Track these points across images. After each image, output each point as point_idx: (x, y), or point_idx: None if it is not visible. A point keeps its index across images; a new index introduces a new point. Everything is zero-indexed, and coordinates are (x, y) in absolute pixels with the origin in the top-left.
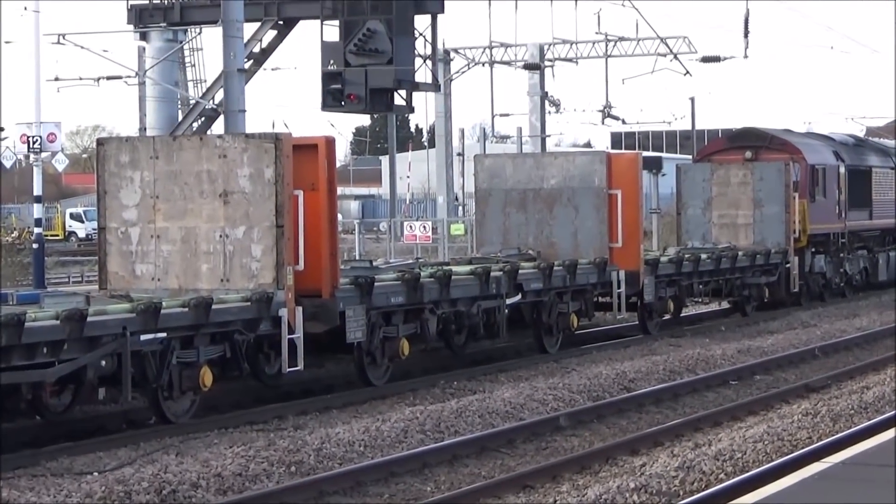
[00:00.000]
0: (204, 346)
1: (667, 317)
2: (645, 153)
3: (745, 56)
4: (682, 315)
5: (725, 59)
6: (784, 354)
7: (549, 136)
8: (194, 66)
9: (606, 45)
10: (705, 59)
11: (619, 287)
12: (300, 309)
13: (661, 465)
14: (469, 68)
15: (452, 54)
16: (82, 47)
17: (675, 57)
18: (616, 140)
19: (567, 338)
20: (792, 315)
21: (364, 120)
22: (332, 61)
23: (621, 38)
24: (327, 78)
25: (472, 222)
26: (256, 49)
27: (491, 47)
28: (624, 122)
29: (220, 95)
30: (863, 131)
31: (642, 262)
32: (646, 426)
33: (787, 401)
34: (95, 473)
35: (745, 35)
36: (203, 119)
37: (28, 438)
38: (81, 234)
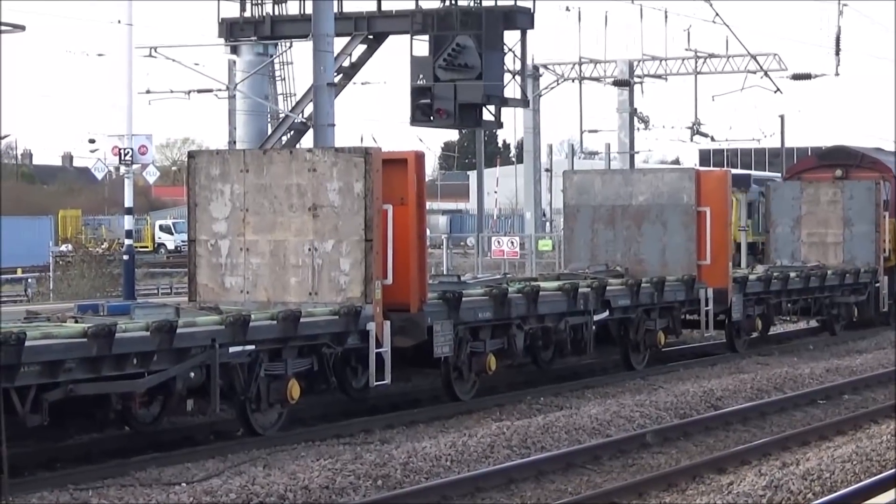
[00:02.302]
0: (292, 359)
1: (755, 335)
2: (734, 171)
3: (837, 74)
4: (770, 333)
5: (816, 76)
6: (873, 374)
7: (637, 152)
8: (284, 79)
9: (696, 62)
10: (796, 77)
11: (706, 305)
12: (388, 323)
13: (749, 483)
14: (558, 84)
15: (542, 70)
16: (174, 60)
17: (766, 74)
18: (704, 157)
19: (654, 355)
20: (881, 335)
21: (452, 135)
22: (421, 76)
23: (711, 55)
24: (416, 93)
25: (560, 238)
26: (346, 63)
27: (580, 63)
28: (713, 139)
29: (309, 109)
30: None
31: (730, 280)
32: (733, 444)
33: (876, 420)
34: (183, 484)
35: (837, 53)
36: (292, 133)
37: (117, 449)
38: (171, 246)
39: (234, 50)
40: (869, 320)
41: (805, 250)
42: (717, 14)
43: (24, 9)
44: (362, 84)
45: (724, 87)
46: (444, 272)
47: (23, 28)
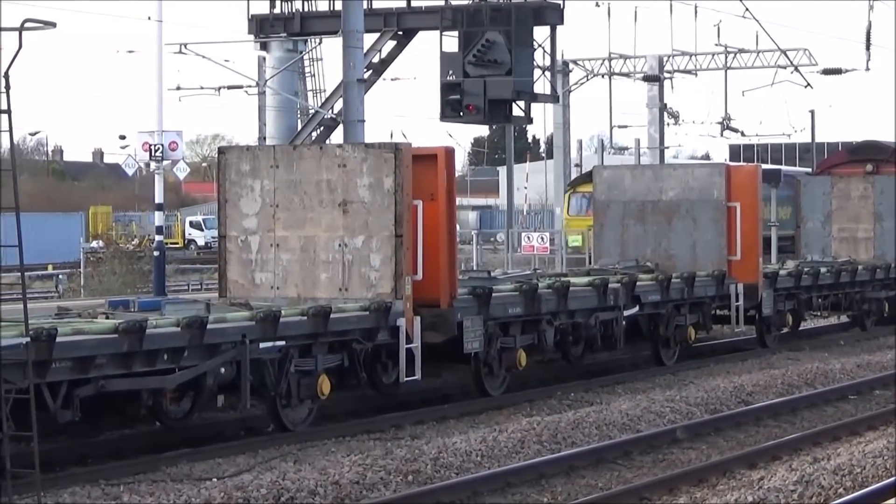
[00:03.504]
0: (322, 355)
1: (785, 330)
2: (764, 166)
3: (867, 68)
4: (800, 329)
5: (847, 71)
6: None
7: (667, 147)
8: (314, 75)
9: (726, 57)
10: (826, 72)
11: (737, 300)
12: (418, 319)
13: (780, 479)
14: (588, 80)
15: (571, 65)
16: (204, 57)
17: (796, 69)
18: (734, 152)
19: (684, 350)
20: None
21: (482, 130)
22: (451, 72)
23: (741, 50)
24: (446, 88)
25: (590, 234)
26: (376, 59)
27: (610, 59)
28: (743, 134)
29: (339, 105)
30: None
31: (761, 275)
32: (764, 440)
33: None
34: (214, 479)
35: (867, 47)
36: (322, 129)
37: (148, 444)
38: (201, 243)
39: (264, 46)
40: None
41: (836, 245)
42: (747, 9)
43: (54, 6)
44: (392, 80)
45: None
46: (474, 268)
47: (53, 25)
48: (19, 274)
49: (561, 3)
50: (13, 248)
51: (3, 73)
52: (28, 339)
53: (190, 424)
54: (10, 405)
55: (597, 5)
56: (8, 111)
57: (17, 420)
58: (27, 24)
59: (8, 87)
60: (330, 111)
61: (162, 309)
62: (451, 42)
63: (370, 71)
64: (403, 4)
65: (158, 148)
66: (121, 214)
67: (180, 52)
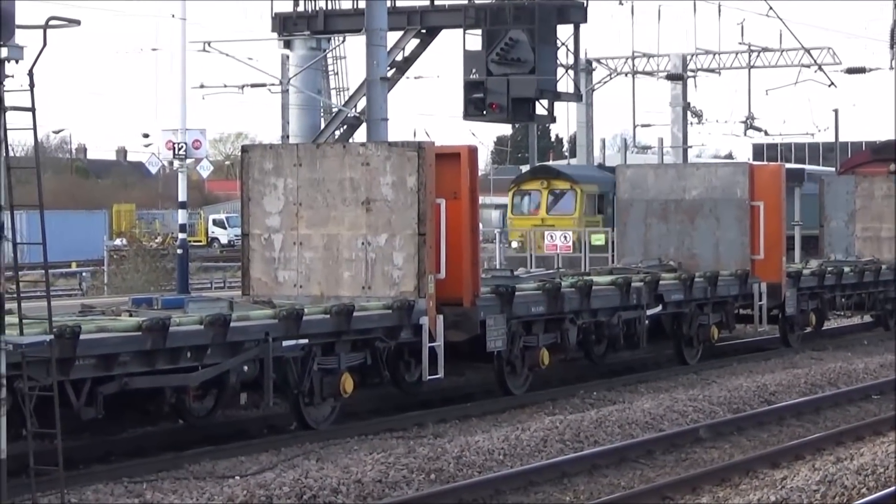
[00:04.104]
0: (345, 353)
1: (808, 330)
2: (787, 165)
3: (891, 67)
4: (823, 328)
5: (871, 70)
6: None
7: (690, 146)
8: (337, 74)
9: (749, 56)
10: (850, 71)
11: (760, 299)
12: (441, 317)
13: (802, 478)
14: (611, 78)
15: (594, 64)
16: (227, 55)
17: (820, 68)
18: (758, 151)
19: (707, 349)
20: None
21: (505, 129)
22: (474, 70)
23: (765, 49)
24: (469, 87)
25: (614, 233)
26: (399, 57)
27: (633, 57)
28: (766, 133)
29: (362, 104)
30: None
31: (784, 275)
32: (787, 439)
33: None
34: (237, 477)
35: (892, 46)
36: (345, 127)
37: (171, 442)
38: (224, 241)
39: (288, 44)
40: None
41: (859, 245)
42: (771, 8)
43: (79, 4)
44: (415, 78)
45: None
46: (498, 266)
47: (77, 23)
48: (43, 271)
49: (584, 1)
50: (37, 246)
51: (27, 71)
52: (52, 336)
53: (213, 422)
54: (33, 402)
55: (620, 4)
56: (32, 109)
57: (40, 417)
58: (51, 22)
59: (32, 84)
60: (353, 109)
61: (185, 307)
62: (475, 40)
63: (393, 69)
64: (427, 3)
65: (182, 146)
66: (144, 212)
67: (204, 50)
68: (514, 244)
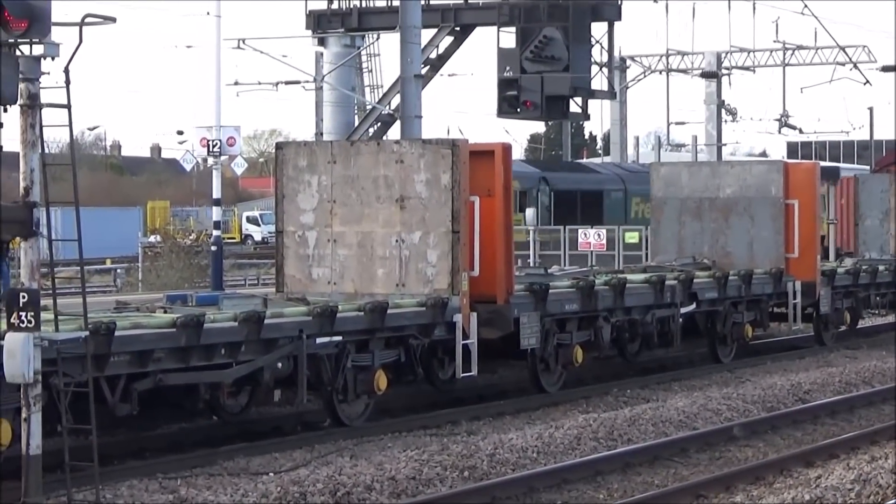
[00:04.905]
0: (379, 351)
1: (843, 328)
2: (822, 163)
3: None
4: (858, 327)
5: None
6: None
7: (724, 144)
8: (371, 71)
9: (784, 54)
10: (885, 69)
11: (794, 298)
12: (475, 315)
13: (837, 477)
14: (645, 76)
15: (629, 62)
16: (262, 52)
17: (855, 66)
18: (792, 150)
19: (741, 348)
20: None
21: (539, 127)
22: (508, 68)
23: (799, 47)
24: (503, 84)
25: (647, 230)
26: (433, 55)
27: (667, 55)
28: (801, 131)
29: (396, 101)
30: None
31: (819, 273)
32: (821, 438)
33: None
34: (271, 474)
35: None
36: (379, 124)
37: (205, 438)
38: (257, 238)
39: (322, 42)
40: None
41: (894, 243)
42: (806, 6)
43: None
44: (449, 76)
45: (812, 78)
46: (531, 264)
47: (113, 20)
48: (78, 268)
49: None
50: (72, 243)
51: (63, 68)
52: (87, 332)
53: (247, 419)
54: (68, 399)
55: (655, 1)
56: (68, 106)
57: (75, 413)
58: (87, 20)
59: (68, 81)
60: (387, 107)
61: (219, 304)
62: (509, 38)
63: (427, 67)
64: (461, 0)
65: (216, 143)
66: (178, 209)
67: (238, 47)
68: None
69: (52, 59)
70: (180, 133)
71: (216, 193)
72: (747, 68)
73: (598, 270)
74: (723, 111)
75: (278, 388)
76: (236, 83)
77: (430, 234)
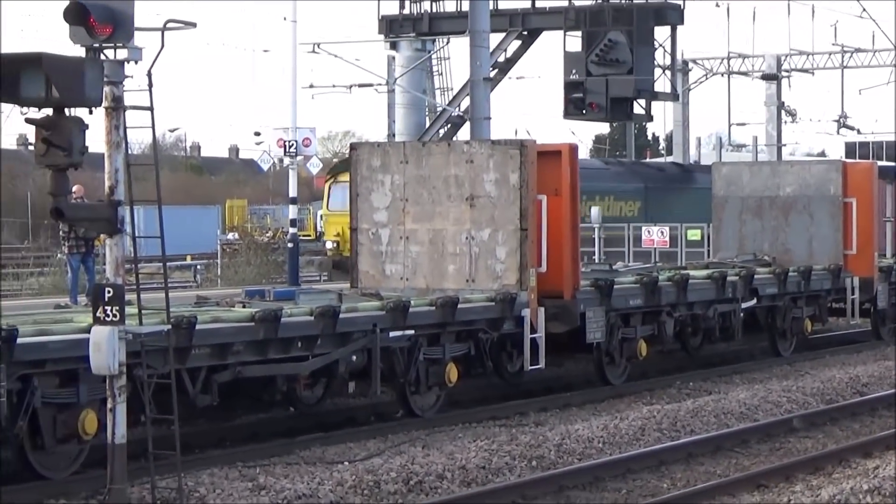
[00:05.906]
0: (449, 344)
1: None
2: (880, 163)
3: None
4: None
5: None
6: None
7: (784, 145)
8: (441, 74)
9: (843, 56)
10: None
11: (852, 293)
12: (542, 309)
13: (894, 468)
14: (707, 78)
15: (691, 64)
16: (336, 56)
17: None
18: (850, 150)
19: (800, 342)
20: None
21: (604, 128)
22: (574, 71)
23: (858, 50)
24: (569, 87)
25: (709, 228)
26: (501, 58)
27: (729, 58)
28: (859, 132)
29: (465, 103)
30: None
31: (876, 270)
32: (878, 430)
33: None
34: (346, 463)
35: None
36: (449, 126)
37: (283, 429)
38: None
39: (394, 46)
40: None
41: None
42: (864, 9)
43: (194, 6)
44: (517, 79)
45: (870, 80)
46: (597, 261)
47: (194, 25)
48: (161, 264)
49: (681, 3)
50: (155, 240)
51: (146, 72)
52: (169, 326)
53: (322, 410)
54: (152, 390)
55: (717, 5)
56: (151, 108)
57: (158, 404)
58: (169, 25)
59: (151, 84)
60: (457, 109)
61: (296, 298)
62: (575, 42)
63: (496, 70)
64: (528, 5)
65: (292, 144)
66: (256, 207)
67: (313, 51)
68: (329, 244)
69: (136, 62)
70: (257, 134)
71: (292, 192)
72: (806, 71)
73: (661, 266)
74: (782, 112)
75: (353, 380)
76: (311, 86)
77: (499, 232)
